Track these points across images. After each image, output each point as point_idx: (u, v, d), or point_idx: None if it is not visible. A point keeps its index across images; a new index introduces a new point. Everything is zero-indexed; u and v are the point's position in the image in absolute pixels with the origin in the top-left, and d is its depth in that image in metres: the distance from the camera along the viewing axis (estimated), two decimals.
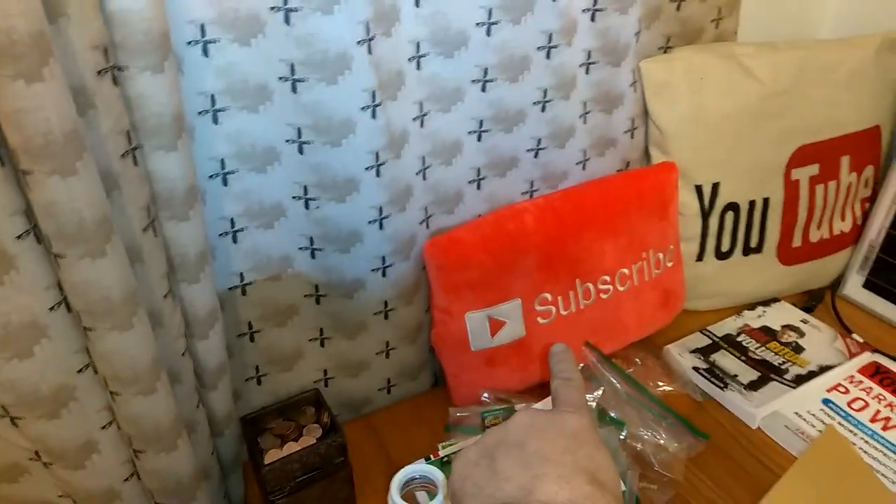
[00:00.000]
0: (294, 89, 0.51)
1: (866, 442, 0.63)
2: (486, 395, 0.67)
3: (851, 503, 0.56)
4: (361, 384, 0.69)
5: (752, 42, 0.76)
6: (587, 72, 0.66)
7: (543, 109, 0.65)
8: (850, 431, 0.64)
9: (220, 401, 0.57)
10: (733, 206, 0.76)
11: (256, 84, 0.51)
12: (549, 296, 0.67)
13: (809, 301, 0.85)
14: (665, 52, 0.73)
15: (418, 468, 0.51)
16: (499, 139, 0.65)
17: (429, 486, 0.51)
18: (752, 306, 0.83)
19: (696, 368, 0.72)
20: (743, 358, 0.74)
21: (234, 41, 0.49)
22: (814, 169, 0.78)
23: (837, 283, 0.87)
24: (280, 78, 0.51)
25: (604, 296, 0.70)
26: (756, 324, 0.79)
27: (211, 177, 0.53)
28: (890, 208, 0.81)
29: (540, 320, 0.67)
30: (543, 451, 0.35)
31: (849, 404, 0.68)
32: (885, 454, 0.62)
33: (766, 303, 0.83)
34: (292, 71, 0.51)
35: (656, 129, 0.74)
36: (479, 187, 0.67)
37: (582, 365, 0.67)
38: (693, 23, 0.73)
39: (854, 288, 0.86)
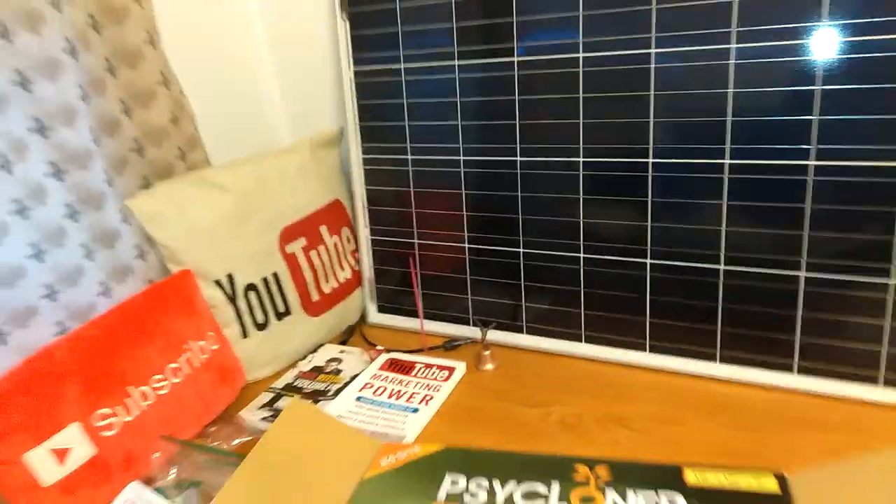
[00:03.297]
0: None
1: (385, 412, 0.87)
2: None
3: (330, 453, 0.75)
4: None
5: (222, 164, 0.99)
6: (75, 220, 0.80)
7: (41, 260, 0.75)
8: (375, 411, 0.87)
9: None
10: (252, 287, 0.96)
11: None
12: (107, 410, 0.76)
13: (345, 336, 1.10)
14: (147, 188, 0.91)
15: None
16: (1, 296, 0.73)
17: None
18: (304, 357, 1.03)
19: (264, 419, 0.88)
20: (299, 396, 0.93)
21: None
22: (302, 241, 1.03)
23: (364, 315, 1.15)
24: None
25: (163, 391, 0.81)
26: (307, 367, 1.00)
27: None
28: (368, 252, 1.12)
29: (105, 433, 0.75)
30: None
31: (374, 393, 0.91)
32: (397, 414, 0.86)
33: (315, 350, 1.05)
34: None
35: (164, 249, 0.90)
36: (3, 342, 0.74)
37: (158, 454, 0.78)
38: (160, 163, 0.92)
39: (374, 315, 1.14)
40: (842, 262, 0.77)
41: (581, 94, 0.86)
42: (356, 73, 1.03)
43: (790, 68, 0.74)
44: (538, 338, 0.99)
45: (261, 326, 0.98)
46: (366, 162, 1.07)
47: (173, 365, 0.83)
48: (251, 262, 0.97)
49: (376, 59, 1.01)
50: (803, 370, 0.82)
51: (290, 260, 1.01)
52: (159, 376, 0.81)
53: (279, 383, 0.97)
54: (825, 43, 0.72)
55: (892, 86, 0.70)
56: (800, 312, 0.80)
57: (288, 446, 0.74)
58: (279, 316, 1.00)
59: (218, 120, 1.09)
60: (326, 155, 1.10)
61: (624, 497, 0.62)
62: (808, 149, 0.76)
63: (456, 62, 0.94)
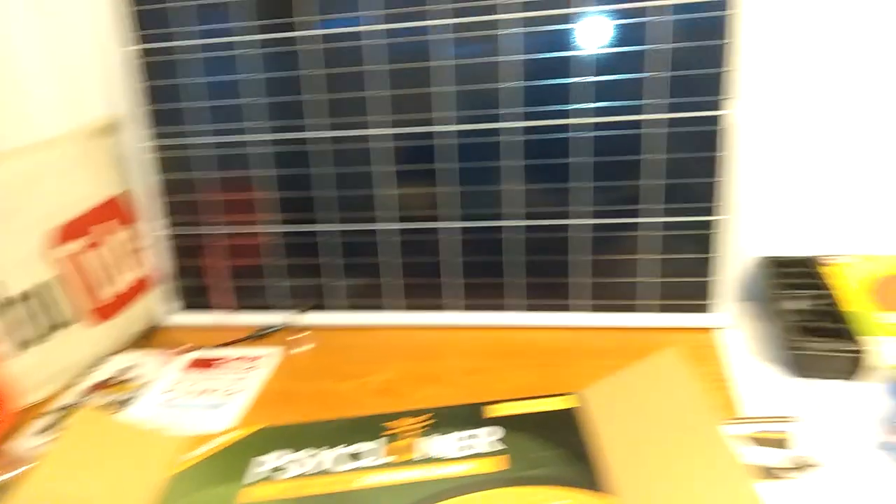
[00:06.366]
0: None
1: (194, 412, 0.80)
2: None
3: (130, 458, 0.67)
4: None
5: None
6: None
7: None
8: (182, 412, 0.80)
9: None
10: (18, 297, 0.84)
11: None
12: None
13: (142, 341, 1.00)
14: None
15: None
16: None
17: None
18: (92, 368, 0.92)
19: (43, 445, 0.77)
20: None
21: None
22: (80, 242, 0.92)
23: (162, 315, 1.06)
24: None
25: None
26: (96, 379, 0.90)
27: None
28: (161, 246, 1.03)
29: None
30: None
31: (179, 395, 0.84)
32: (208, 410, 0.80)
33: (105, 359, 0.94)
34: None
35: None
36: None
37: None
38: None
39: (175, 314, 1.05)
40: (611, 207, 0.85)
41: (377, 68, 0.86)
42: (138, 53, 0.94)
43: (558, 40, 0.81)
44: (353, 313, 0.97)
45: (32, 342, 0.86)
46: (153, 149, 0.98)
47: None
48: (15, 268, 0.84)
49: (162, 37, 0.93)
50: (588, 308, 0.89)
51: (65, 263, 0.90)
52: None
53: (61, 402, 0.85)
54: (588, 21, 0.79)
55: (631, 49, 0.79)
56: (584, 256, 0.88)
57: (77, 462, 0.66)
58: (54, 327, 0.88)
59: None
60: (103, 144, 0.99)
61: (432, 440, 0.66)
62: (567, 109, 0.83)
63: (257, 37, 0.89)
